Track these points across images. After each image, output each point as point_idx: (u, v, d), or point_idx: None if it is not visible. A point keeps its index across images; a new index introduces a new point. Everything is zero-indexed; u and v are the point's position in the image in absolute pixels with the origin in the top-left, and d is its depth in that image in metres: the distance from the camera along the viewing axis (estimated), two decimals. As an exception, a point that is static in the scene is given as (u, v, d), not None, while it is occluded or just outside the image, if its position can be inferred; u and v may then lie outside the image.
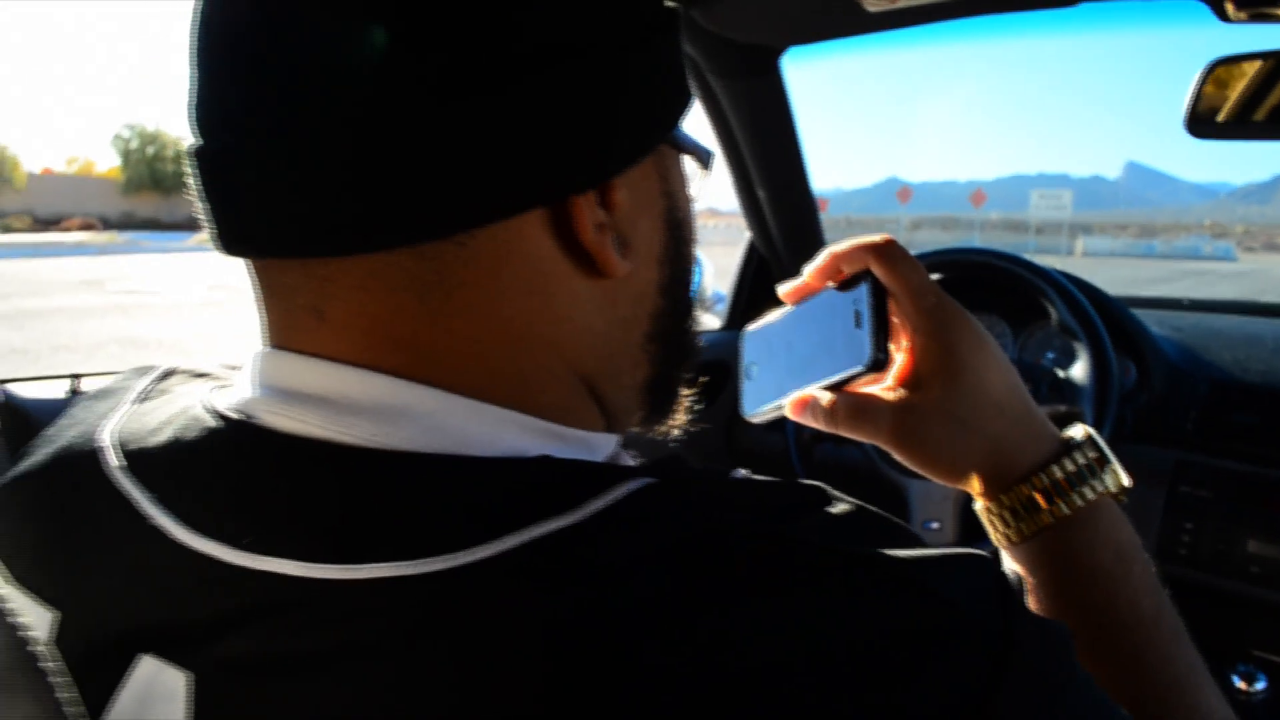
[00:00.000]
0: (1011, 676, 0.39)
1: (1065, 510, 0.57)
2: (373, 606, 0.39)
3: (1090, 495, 0.57)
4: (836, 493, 0.44)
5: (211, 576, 0.42)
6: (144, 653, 0.44)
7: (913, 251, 0.69)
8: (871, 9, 1.16)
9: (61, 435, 0.54)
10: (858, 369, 0.59)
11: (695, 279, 0.57)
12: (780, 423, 1.72)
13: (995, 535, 0.61)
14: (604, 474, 0.42)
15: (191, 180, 0.46)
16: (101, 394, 0.58)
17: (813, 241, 1.91)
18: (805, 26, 1.36)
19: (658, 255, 0.52)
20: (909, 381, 0.60)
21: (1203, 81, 1.18)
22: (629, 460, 0.55)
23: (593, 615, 0.37)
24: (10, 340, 10.13)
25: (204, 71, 0.45)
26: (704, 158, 0.56)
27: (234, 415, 0.47)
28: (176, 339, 9.78)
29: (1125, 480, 0.59)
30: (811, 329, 0.65)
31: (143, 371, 0.59)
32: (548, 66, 0.42)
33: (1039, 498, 0.58)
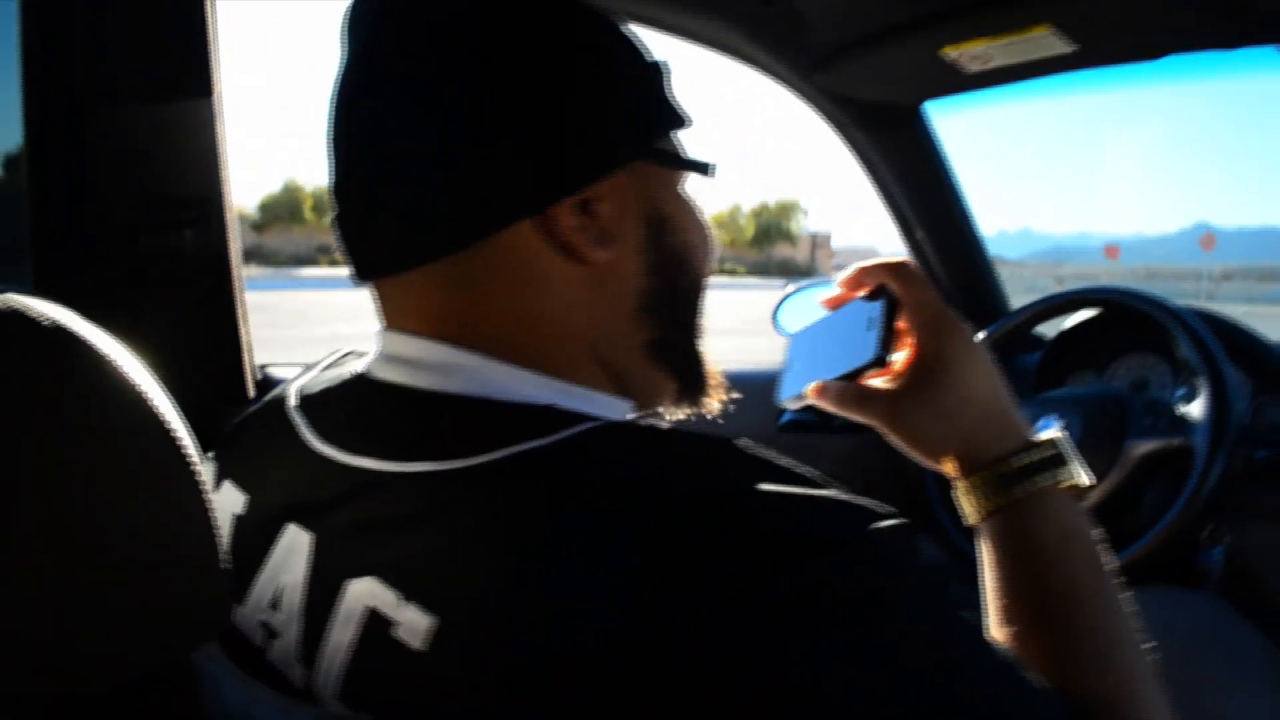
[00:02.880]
0: (840, 584, 0.49)
1: (1017, 495, 0.67)
2: (419, 490, 0.56)
3: (1039, 485, 0.67)
4: (754, 446, 0.57)
5: (329, 470, 0.61)
6: (289, 522, 0.63)
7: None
8: (971, 71, 1.26)
9: (274, 393, 0.76)
10: (864, 363, 0.71)
11: (700, 261, 0.71)
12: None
13: (965, 512, 0.71)
14: (576, 418, 0.58)
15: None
16: (308, 368, 0.78)
17: (978, 275, 1.97)
18: (920, 86, 1.45)
19: (640, 245, 0.66)
20: (906, 377, 0.71)
21: None
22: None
23: (545, 508, 0.53)
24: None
25: (330, 160, 0.66)
26: (697, 168, 0.69)
27: (361, 372, 0.67)
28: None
29: (1084, 480, 0.68)
30: (838, 330, 0.77)
31: (337, 352, 0.79)
32: (506, 137, 0.60)
33: (996, 483, 0.68)
